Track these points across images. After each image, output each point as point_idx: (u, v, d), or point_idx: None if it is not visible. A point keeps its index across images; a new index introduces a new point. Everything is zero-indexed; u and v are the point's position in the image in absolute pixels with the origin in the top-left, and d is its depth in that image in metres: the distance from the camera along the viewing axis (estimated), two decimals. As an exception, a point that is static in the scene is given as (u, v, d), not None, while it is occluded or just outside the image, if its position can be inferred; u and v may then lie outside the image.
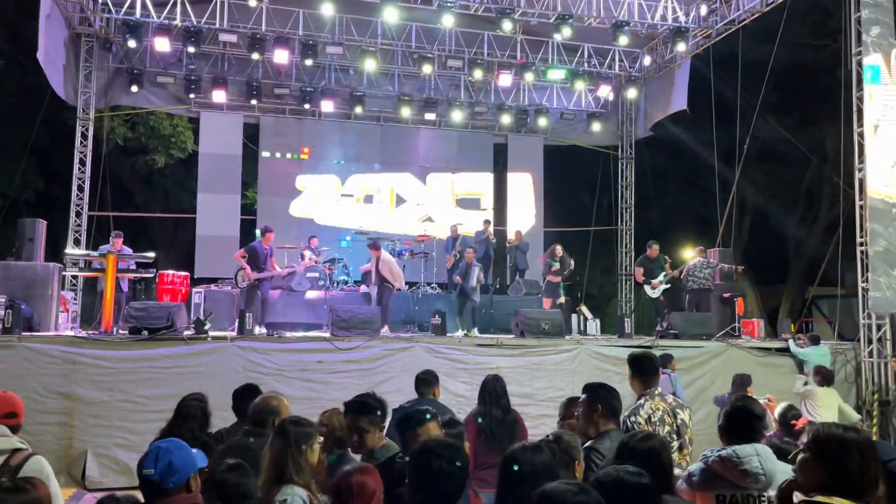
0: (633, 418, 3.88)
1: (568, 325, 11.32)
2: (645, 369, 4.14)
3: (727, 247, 13.32)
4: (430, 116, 15.84)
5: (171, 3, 12.83)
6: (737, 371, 8.14)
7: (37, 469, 3.31)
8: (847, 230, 10.72)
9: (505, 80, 15.11)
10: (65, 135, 14.91)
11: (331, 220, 15.79)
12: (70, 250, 11.92)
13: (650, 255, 11.98)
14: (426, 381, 5.29)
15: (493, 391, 5.08)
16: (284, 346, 8.81)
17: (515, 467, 2.54)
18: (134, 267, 10.42)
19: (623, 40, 13.65)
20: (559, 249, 12.30)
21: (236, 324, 9.43)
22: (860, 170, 10.27)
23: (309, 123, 15.89)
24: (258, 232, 12.10)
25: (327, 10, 12.90)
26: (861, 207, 10.22)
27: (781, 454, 3.20)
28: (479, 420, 4.95)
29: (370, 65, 14.10)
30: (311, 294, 12.02)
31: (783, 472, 3.02)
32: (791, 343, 10.06)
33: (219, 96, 14.57)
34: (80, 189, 13.96)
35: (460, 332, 10.81)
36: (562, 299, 12.05)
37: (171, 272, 11.39)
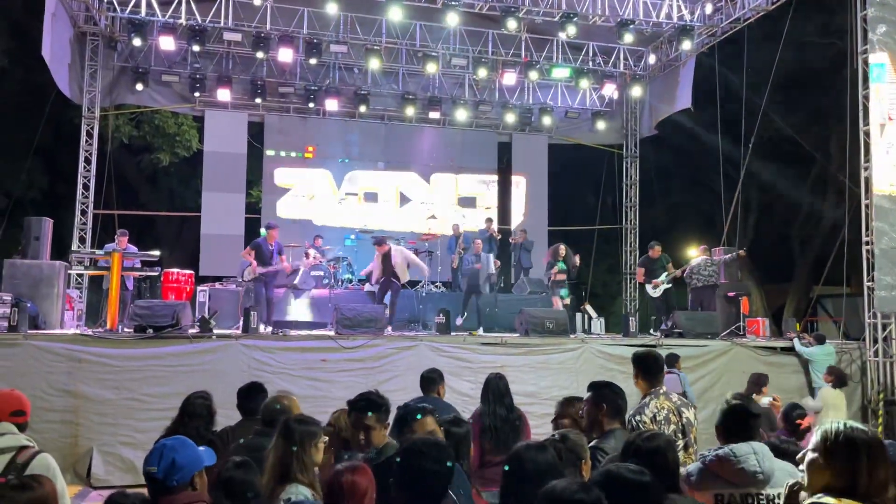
0: (638, 417, 3.87)
1: (572, 324, 11.31)
2: (650, 368, 4.12)
3: (732, 245, 13.28)
4: (434, 115, 15.85)
5: (176, 1, 12.89)
6: (741, 370, 8.12)
7: (44, 466, 3.30)
8: (853, 229, 10.68)
9: (509, 78, 15.06)
10: (70, 133, 14.94)
11: (333, 220, 15.80)
12: (76, 249, 11.95)
13: (652, 256, 12.09)
14: (431, 380, 5.29)
15: (496, 390, 5.06)
16: (289, 344, 8.80)
17: (520, 466, 2.54)
18: (139, 265, 10.42)
19: (628, 39, 13.65)
20: (562, 249, 12.26)
21: (241, 322, 9.45)
22: (866, 168, 10.22)
23: (313, 122, 15.91)
24: (262, 230, 12.13)
25: (332, 9, 12.88)
26: (867, 206, 10.17)
27: (780, 453, 3.19)
28: (483, 419, 4.95)
29: (374, 63, 14.11)
30: (316, 292, 12.06)
31: (781, 470, 3.02)
32: (796, 342, 10.03)
33: (223, 95, 14.61)
34: (86, 188, 14.01)
35: (460, 321, 10.81)
36: (566, 300, 12.04)
37: (175, 270, 11.41)
